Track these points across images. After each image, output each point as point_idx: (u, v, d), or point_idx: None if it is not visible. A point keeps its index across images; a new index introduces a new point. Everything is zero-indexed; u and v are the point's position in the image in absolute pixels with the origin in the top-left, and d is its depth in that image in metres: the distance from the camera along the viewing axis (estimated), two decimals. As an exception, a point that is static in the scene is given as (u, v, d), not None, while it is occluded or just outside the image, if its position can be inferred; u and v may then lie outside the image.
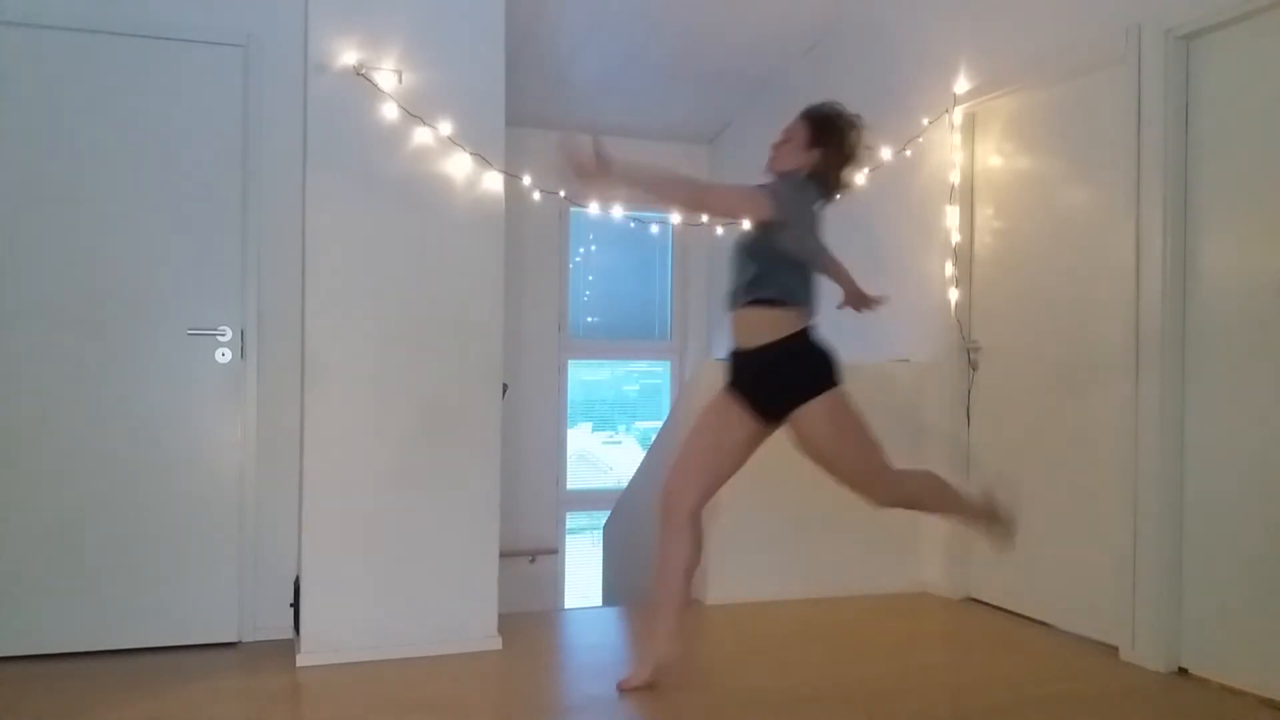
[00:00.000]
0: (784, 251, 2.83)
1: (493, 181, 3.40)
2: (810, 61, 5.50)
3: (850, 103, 5.06)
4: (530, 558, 6.27)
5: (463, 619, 3.36)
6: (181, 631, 3.39)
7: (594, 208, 4.12)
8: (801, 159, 3.00)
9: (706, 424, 2.93)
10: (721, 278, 6.77)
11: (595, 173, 2.65)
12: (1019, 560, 3.92)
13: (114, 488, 3.33)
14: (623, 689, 2.93)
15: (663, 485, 2.91)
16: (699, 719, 2.80)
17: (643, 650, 3.02)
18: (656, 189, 2.93)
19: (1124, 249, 3.37)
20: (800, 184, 2.95)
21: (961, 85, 4.19)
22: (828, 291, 3.11)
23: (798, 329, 2.86)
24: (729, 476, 2.96)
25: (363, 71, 3.26)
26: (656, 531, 2.92)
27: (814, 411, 2.79)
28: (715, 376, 4.11)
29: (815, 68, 5.46)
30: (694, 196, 3.03)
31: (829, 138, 3.00)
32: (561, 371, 6.59)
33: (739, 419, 2.89)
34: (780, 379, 2.83)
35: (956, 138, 4.22)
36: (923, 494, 3.08)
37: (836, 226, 5.05)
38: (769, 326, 2.83)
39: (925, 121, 4.38)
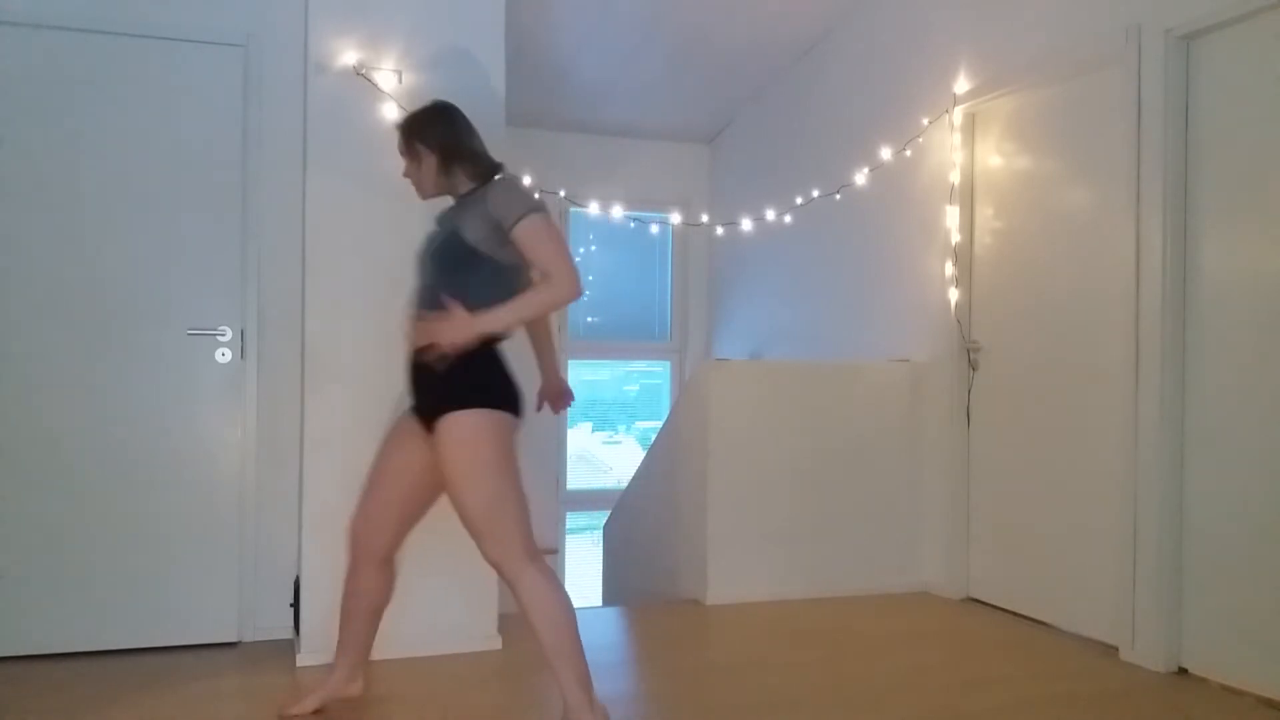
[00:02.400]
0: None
1: (493, 181, 3.39)
2: (810, 61, 5.50)
3: (850, 103, 5.10)
4: (530, 558, 6.26)
5: (463, 619, 3.36)
6: (181, 631, 3.39)
7: (594, 207, 4.12)
8: (434, 176, 2.71)
9: (381, 452, 2.73)
10: (721, 278, 6.80)
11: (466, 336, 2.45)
12: (1019, 560, 3.92)
13: (114, 488, 3.33)
14: (283, 716, 2.72)
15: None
16: (699, 719, 2.80)
17: (324, 678, 2.81)
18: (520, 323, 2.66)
19: (1124, 249, 3.38)
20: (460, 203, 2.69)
21: (961, 85, 4.20)
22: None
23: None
24: (410, 508, 2.72)
25: (363, 71, 3.26)
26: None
27: (441, 432, 2.50)
28: (714, 377, 4.15)
29: (815, 68, 5.46)
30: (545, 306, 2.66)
31: (430, 131, 2.71)
32: (562, 371, 6.58)
33: (410, 436, 2.65)
34: (434, 389, 2.55)
35: (956, 138, 4.22)
36: (551, 616, 2.53)
37: (837, 227, 5.08)
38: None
39: (925, 121, 4.38)
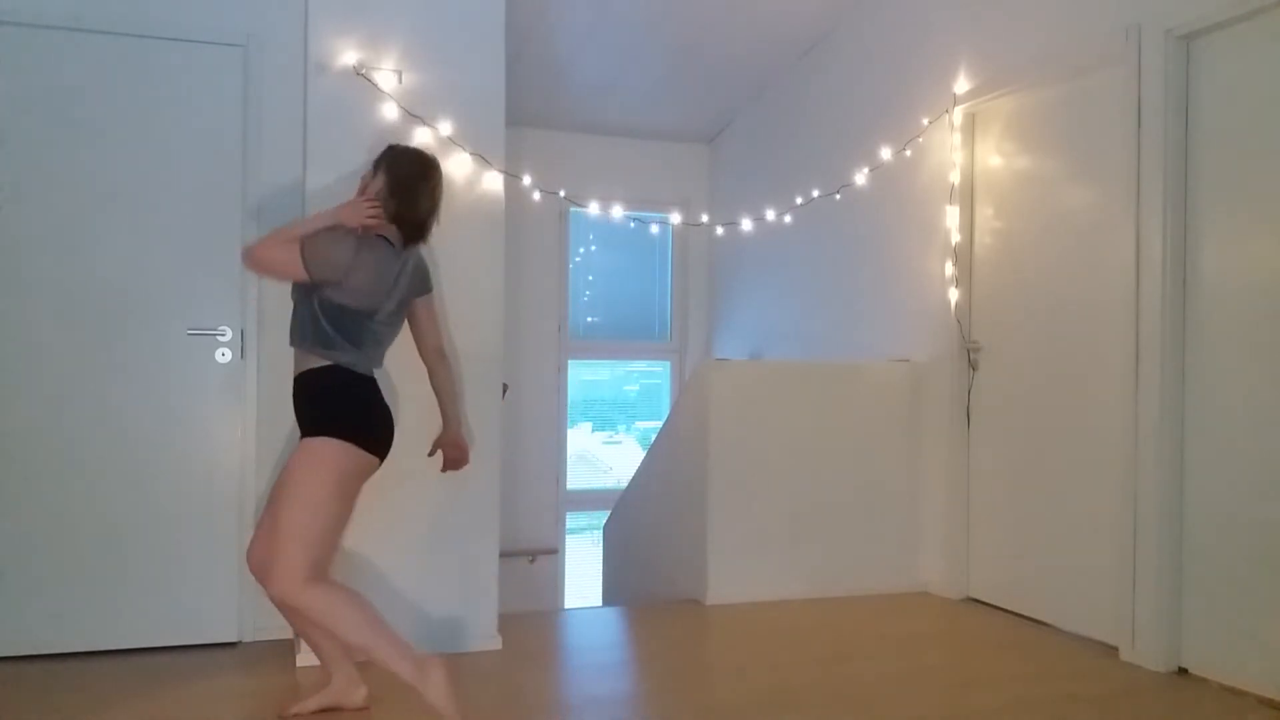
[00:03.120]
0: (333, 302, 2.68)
1: (493, 181, 3.40)
2: (810, 61, 5.50)
3: (850, 103, 5.10)
4: (530, 558, 6.27)
5: (463, 619, 3.36)
6: (181, 631, 3.39)
7: (594, 207, 4.12)
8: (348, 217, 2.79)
9: None
10: (721, 278, 6.80)
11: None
12: (1019, 560, 3.92)
13: (114, 487, 3.33)
14: (283, 716, 2.73)
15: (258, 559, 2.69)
16: (699, 719, 2.80)
17: (326, 680, 2.81)
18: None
19: (1124, 249, 3.38)
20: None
21: (961, 85, 4.20)
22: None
23: (313, 366, 2.69)
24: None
25: (363, 71, 3.26)
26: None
27: (299, 445, 2.66)
28: (714, 377, 4.15)
29: (815, 68, 5.46)
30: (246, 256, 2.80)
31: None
32: (561, 371, 6.59)
33: None
34: (305, 408, 2.69)
35: (956, 138, 4.22)
36: (342, 616, 2.57)
37: (837, 227, 5.08)
38: (301, 359, 2.74)
39: (925, 121, 4.38)
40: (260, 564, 2.67)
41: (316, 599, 2.55)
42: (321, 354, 2.69)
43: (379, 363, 2.86)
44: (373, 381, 2.78)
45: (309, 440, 2.65)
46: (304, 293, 2.73)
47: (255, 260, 2.73)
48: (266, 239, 2.73)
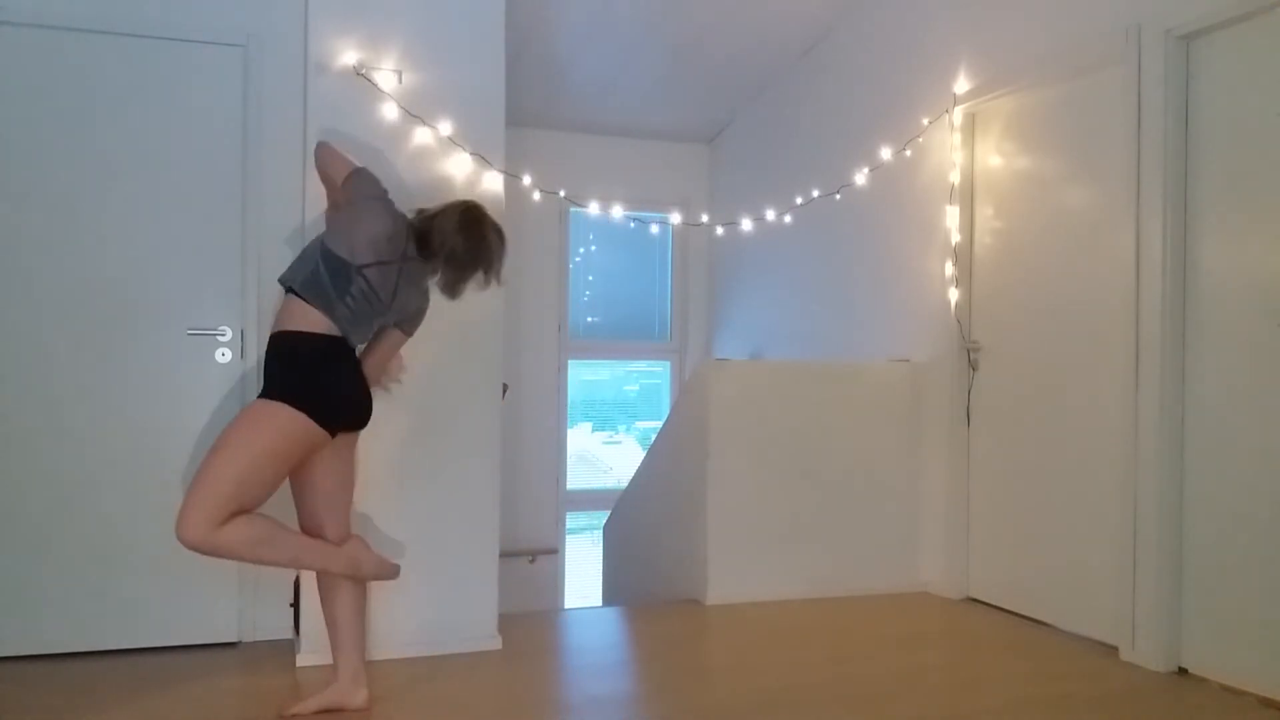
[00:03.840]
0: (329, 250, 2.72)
1: (493, 181, 3.40)
2: (810, 61, 5.50)
3: (850, 103, 5.10)
4: (530, 558, 6.27)
5: (463, 619, 3.36)
6: (181, 631, 3.39)
7: (594, 207, 4.12)
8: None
9: None
10: (721, 278, 6.79)
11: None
12: (1019, 560, 3.92)
13: (114, 487, 3.33)
14: (283, 716, 2.72)
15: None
16: (699, 719, 2.80)
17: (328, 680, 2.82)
18: None
19: (1124, 249, 3.38)
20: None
21: (961, 85, 4.20)
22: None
23: (290, 326, 2.68)
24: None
25: (363, 71, 3.26)
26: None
27: (247, 408, 2.69)
28: (714, 377, 4.15)
29: (815, 68, 5.46)
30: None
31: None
32: (561, 371, 6.59)
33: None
34: (266, 366, 2.70)
35: (956, 138, 4.22)
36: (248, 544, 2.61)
37: (837, 227, 5.08)
38: (280, 315, 2.73)
39: (925, 121, 4.38)
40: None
41: (225, 538, 2.51)
42: (305, 302, 2.65)
43: (358, 338, 2.81)
44: (342, 343, 2.72)
45: (258, 400, 2.63)
46: (318, 242, 2.78)
47: (322, 155, 2.99)
48: (337, 153, 2.97)
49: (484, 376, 3.41)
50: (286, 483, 2.79)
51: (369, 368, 2.92)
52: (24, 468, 3.26)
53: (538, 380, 6.47)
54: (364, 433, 3.26)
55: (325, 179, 3.01)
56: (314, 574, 2.91)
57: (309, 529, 2.83)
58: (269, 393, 2.63)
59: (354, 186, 2.87)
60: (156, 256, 3.39)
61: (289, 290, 2.72)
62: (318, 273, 2.69)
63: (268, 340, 2.73)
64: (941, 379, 4.27)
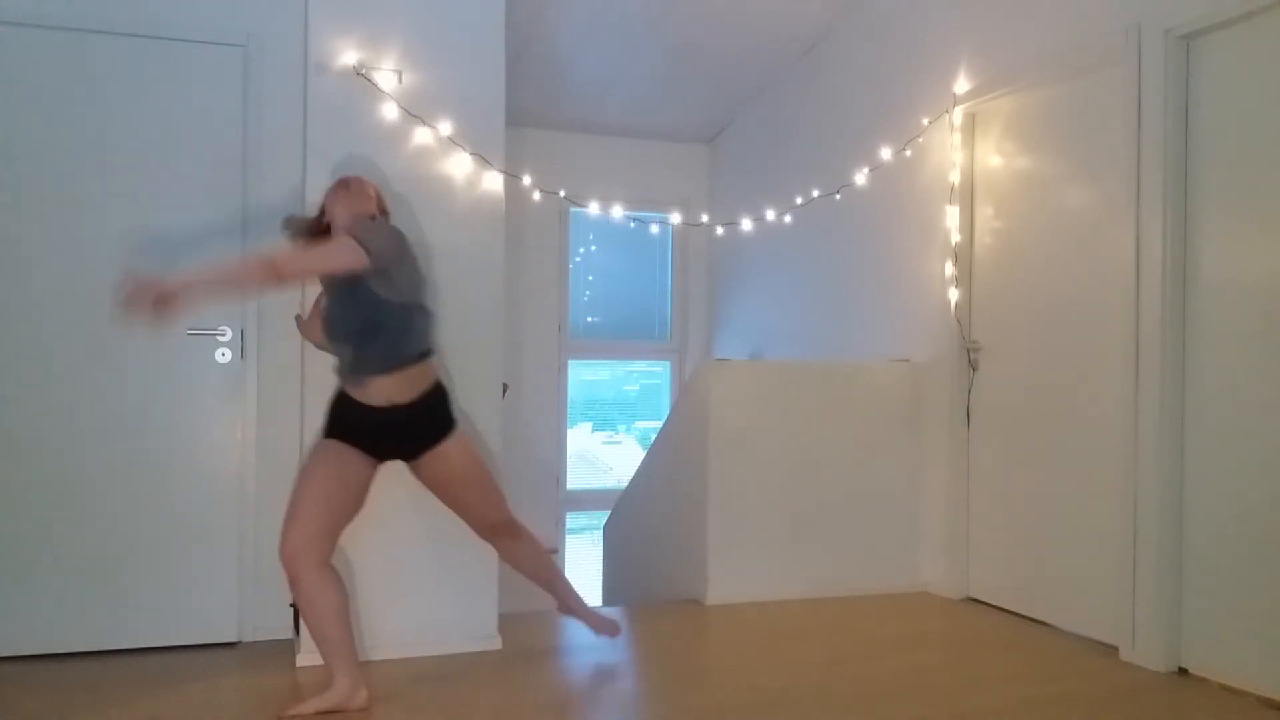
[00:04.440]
0: (390, 300, 2.80)
1: (493, 181, 3.40)
2: (810, 62, 5.50)
3: (850, 103, 5.10)
4: (530, 558, 6.26)
5: (463, 619, 3.36)
6: (181, 631, 3.39)
7: (594, 207, 4.12)
8: (365, 204, 2.99)
9: (322, 475, 2.85)
10: (721, 278, 6.79)
11: (167, 304, 2.54)
12: (1019, 560, 3.92)
13: (114, 488, 3.33)
14: (281, 718, 2.72)
15: (283, 547, 2.79)
16: (699, 719, 2.80)
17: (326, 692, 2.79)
18: (229, 283, 2.84)
19: (1124, 249, 3.38)
20: (380, 224, 2.94)
21: (961, 85, 4.20)
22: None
23: (436, 376, 2.98)
24: (350, 520, 2.96)
25: (363, 71, 3.26)
26: (294, 595, 2.83)
27: (450, 449, 2.98)
28: (714, 377, 4.15)
29: (815, 68, 5.46)
30: (272, 271, 2.68)
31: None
32: (561, 371, 6.59)
33: (360, 464, 2.91)
34: (431, 424, 2.95)
35: (956, 138, 4.22)
36: (538, 563, 3.29)
37: (837, 227, 5.08)
38: (419, 379, 2.90)
39: (925, 121, 4.38)
40: (305, 554, 2.81)
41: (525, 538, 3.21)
42: (425, 363, 2.91)
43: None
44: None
45: (463, 434, 3.02)
46: (370, 310, 2.79)
47: (297, 270, 2.80)
48: (293, 255, 2.84)
49: (484, 376, 3.41)
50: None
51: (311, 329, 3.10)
52: (24, 467, 3.26)
53: (538, 380, 6.47)
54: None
55: (329, 269, 2.79)
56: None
57: (331, 526, 2.91)
58: (455, 426, 3.00)
59: (361, 238, 2.74)
60: (156, 256, 3.38)
61: (425, 355, 2.91)
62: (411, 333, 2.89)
63: (430, 395, 2.91)
64: (941, 379, 4.27)
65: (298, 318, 3.15)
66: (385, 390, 2.83)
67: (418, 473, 3.02)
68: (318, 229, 2.98)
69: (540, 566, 3.27)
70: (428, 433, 2.94)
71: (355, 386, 2.85)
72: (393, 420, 2.87)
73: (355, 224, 2.82)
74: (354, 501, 2.93)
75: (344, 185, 3.00)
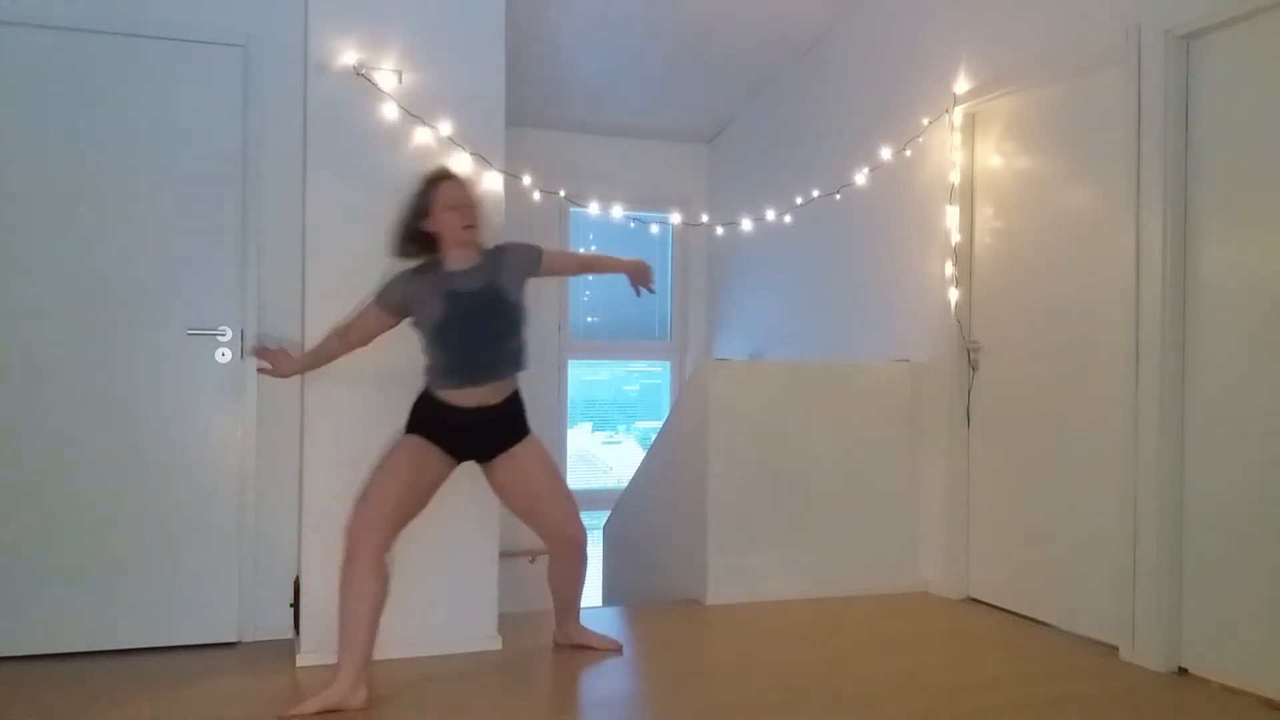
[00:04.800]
0: (524, 307, 3.13)
1: (493, 181, 3.40)
2: (810, 62, 5.50)
3: (850, 103, 5.10)
4: (530, 558, 6.26)
5: (463, 619, 3.36)
6: (181, 631, 3.39)
7: (594, 207, 4.12)
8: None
9: (404, 465, 2.97)
10: (721, 278, 6.78)
11: (287, 371, 3.04)
12: (1019, 560, 3.92)
13: (114, 488, 3.33)
14: (282, 718, 2.72)
15: (352, 523, 2.89)
16: (699, 719, 2.80)
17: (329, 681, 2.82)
18: (330, 357, 3.12)
19: (1124, 249, 3.38)
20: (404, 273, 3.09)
21: (961, 85, 4.20)
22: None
23: (517, 382, 3.16)
24: (415, 516, 3.04)
25: (363, 71, 3.26)
26: (343, 571, 2.87)
27: (523, 451, 3.12)
28: (714, 377, 4.15)
29: (815, 68, 5.46)
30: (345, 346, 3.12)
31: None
32: (561, 371, 6.59)
33: (439, 462, 3.03)
34: (512, 426, 3.12)
35: (956, 138, 4.22)
36: (576, 583, 3.43)
37: (837, 227, 5.08)
38: (511, 384, 3.12)
39: (925, 121, 4.38)
40: (370, 535, 2.91)
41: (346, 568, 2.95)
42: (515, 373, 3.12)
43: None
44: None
45: (535, 439, 3.17)
46: (522, 320, 3.10)
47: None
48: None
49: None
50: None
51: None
52: (23, 468, 3.26)
53: (538, 380, 6.45)
54: (365, 432, 3.28)
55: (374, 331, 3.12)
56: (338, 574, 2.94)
57: (398, 517, 3.00)
58: (529, 431, 3.16)
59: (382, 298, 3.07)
60: (156, 256, 3.39)
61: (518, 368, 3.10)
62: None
63: (513, 399, 3.11)
64: (941, 379, 4.27)
65: (268, 350, 3.08)
66: (483, 393, 3.00)
67: (491, 476, 3.14)
68: (423, 235, 3.05)
69: (577, 586, 3.38)
70: (508, 434, 3.09)
71: (459, 390, 2.98)
72: (481, 421, 3.02)
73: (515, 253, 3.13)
74: (425, 497, 3.02)
75: (471, 201, 3.06)
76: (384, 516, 2.89)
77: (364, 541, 2.84)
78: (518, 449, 3.11)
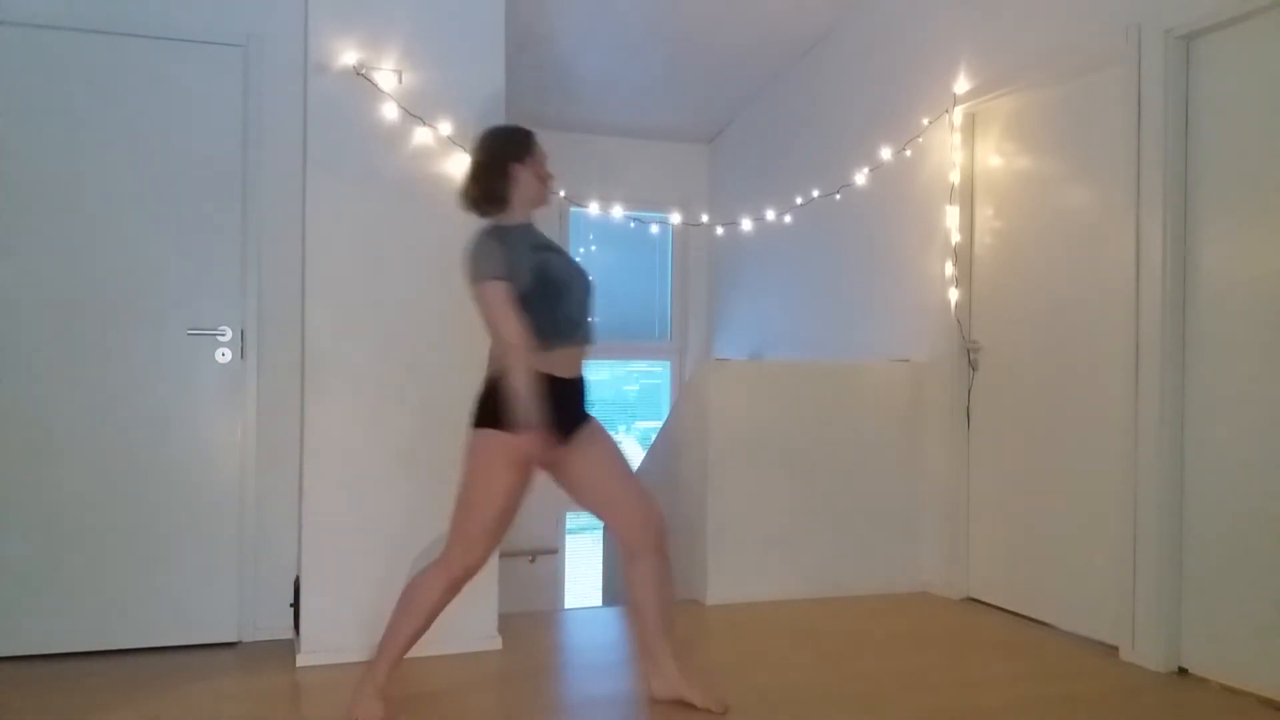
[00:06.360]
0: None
1: (493, 181, 3.39)
2: (810, 62, 5.50)
3: (850, 103, 5.10)
4: (530, 558, 6.27)
5: (463, 619, 3.36)
6: (181, 631, 3.39)
7: (594, 207, 4.12)
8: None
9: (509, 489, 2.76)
10: (721, 278, 6.78)
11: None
12: (1019, 560, 3.92)
13: (114, 488, 3.33)
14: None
15: (657, 516, 2.83)
16: (699, 719, 2.80)
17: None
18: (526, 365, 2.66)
19: (1124, 249, 3.38)
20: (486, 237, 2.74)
21: (961, 85, 4.20)
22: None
23: None
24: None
25: (363, 71, 3.26)
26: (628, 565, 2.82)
27: (595, 424, 2.88)
28: (714, 377, 4.14)
29: (815, 68, 5.46)
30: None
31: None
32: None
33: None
34: (587, 396, 2.89)
35: (956, 138, 4.22)
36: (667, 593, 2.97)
37: (837, 227, 5.08)
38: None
39: (925, 121, 4.38)
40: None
41: (425, 575, 2.75)
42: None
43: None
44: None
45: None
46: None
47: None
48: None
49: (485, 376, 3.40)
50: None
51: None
52: (24, 467, 3.26)
53: (538, 380, 6.45)
54: (365, 432, 3.28)
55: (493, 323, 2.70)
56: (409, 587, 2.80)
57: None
58: (475, 424, 2.77)
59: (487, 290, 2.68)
60: (156, 256, 3.39)
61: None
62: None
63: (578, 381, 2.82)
64: (941, 379, 4.27)
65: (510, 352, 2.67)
66: (581, 359, 2.80)
67: (571, 459, 2.82)
68: (504, 190, 2.79)
69: (669, 599, 2.86)
70: (587, 408, 2.87)
71: (571, 350, 2.74)
72: (580, 391, 2.82)
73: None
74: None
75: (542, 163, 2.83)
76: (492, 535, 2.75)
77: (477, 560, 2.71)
78: (595, 425, 2.86)
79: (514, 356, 2.60)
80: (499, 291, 2.62)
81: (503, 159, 2.78)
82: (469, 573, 2.73)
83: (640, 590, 2.81)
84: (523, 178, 2.78)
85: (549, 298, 2.67)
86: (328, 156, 3.25)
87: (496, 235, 2.70)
